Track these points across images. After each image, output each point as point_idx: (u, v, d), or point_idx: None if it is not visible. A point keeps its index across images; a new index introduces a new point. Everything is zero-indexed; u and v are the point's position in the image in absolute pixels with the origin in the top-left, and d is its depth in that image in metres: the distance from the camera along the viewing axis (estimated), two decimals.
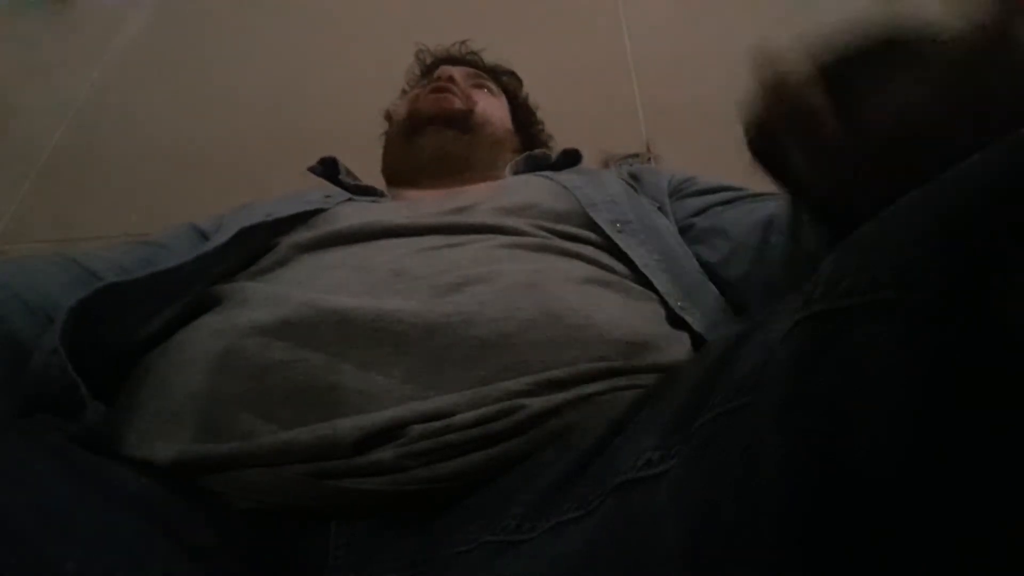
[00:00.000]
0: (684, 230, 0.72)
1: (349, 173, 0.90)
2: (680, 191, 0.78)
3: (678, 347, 0.54)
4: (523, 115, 1.02)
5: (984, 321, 0.22)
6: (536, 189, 0.73)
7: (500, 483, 0.43)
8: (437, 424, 0.44)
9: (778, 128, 0.39)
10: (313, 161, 0.89)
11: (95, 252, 0.67)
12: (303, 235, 0.65)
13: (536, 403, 0.45)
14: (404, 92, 1.05)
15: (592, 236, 0.66)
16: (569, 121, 1.11)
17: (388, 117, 1.03)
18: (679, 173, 0.82)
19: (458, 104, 0.88)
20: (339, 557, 0.42)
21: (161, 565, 0.37)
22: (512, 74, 1.05)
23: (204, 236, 0.75)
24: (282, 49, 1.52)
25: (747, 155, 0.43)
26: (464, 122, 0.87)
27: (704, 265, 0.67)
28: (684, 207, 0.75)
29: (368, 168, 0.94)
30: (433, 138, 0.86)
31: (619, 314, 0.54)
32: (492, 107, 0.94)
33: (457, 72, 0.94)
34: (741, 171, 0.84)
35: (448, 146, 0.84)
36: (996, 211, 0.23)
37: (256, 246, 0.66)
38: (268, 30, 1.57)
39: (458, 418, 0.45)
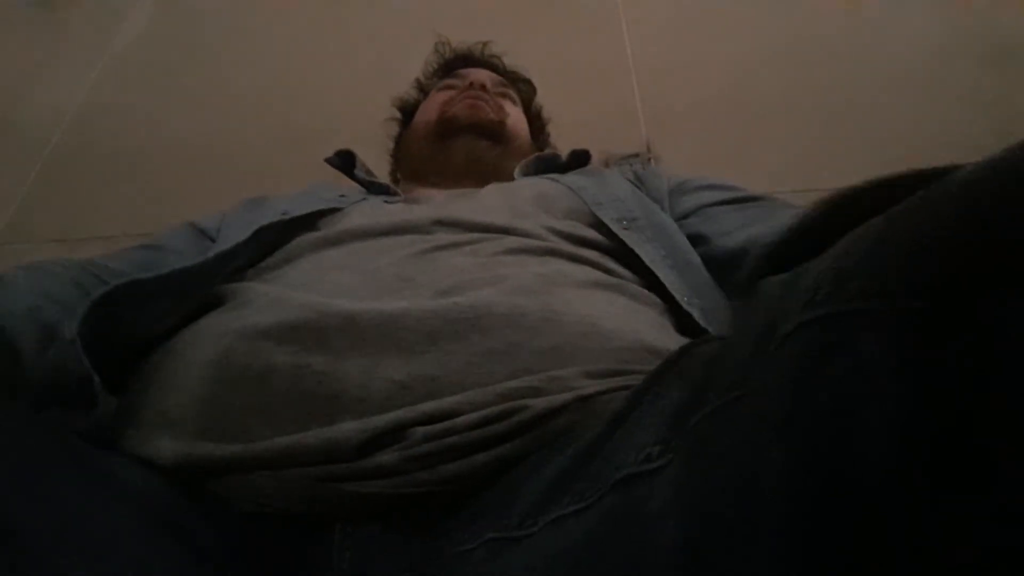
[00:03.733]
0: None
1: (365, 168, 0.91)
2: (678, 190, 0.80)
3: None
4: (536, 124, 1.05)
5: (995, 330, 0.21)
6: (543, 190, 0.74)
7: (503, 481, 0.43)
8: (440, 426, 0.44)
9: None
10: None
11: (102, 261, 0.67)
12: (315, 234, 0.66)
13: (539, 403, 0.45)
14: (419, 82, 1.08)
15: (599, 237, 0.66)
16: (569, 122, 1.11)
17: (401, 108, 1.06)
18: (677, 175, 0.84)
19: (492, 115, 0.91)
20: (343, 559, 0.42)
21: (168, 572, 0.37)
22: (528, 82, 1.08)
23: (204, 234, 0.76)
24: (281, 48, 1.52)
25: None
26: (497, 134, 0.91)
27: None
28: (679, 205, 0.77)
29: (369, 165, 0.95)
30: (466, 146, 0.88)
31: (625, 320, 0.54)
32: (519, 119, 0.98)
33: (488, 80, 0.97)
34: (739, 171, 0.85)
35: (480, 154, 0.86)
36: (1004, 218, 0.23)
37: (269, 242, 0.67)
38: (267, 29, 1.57)
39: (461, 420, 0.45)
